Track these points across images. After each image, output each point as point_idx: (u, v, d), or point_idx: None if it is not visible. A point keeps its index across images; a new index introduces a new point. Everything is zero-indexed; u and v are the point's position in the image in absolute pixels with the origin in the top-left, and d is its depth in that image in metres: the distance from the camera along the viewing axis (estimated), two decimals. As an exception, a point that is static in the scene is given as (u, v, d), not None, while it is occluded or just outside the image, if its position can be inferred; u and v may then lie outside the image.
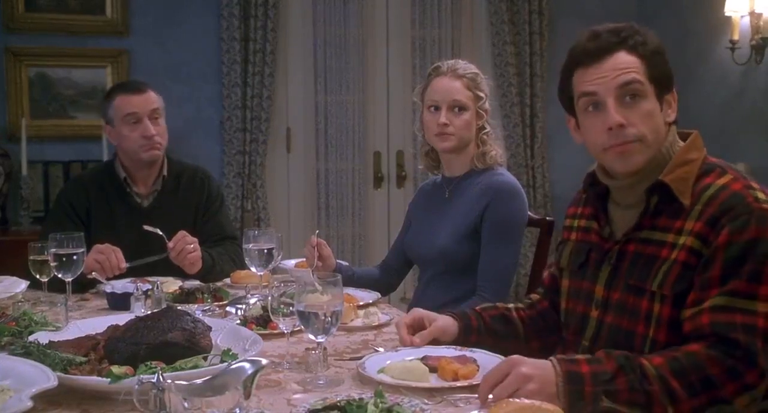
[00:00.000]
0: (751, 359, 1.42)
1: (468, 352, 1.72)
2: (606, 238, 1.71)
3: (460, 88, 2.40)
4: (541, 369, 1.44)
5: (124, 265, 2.45)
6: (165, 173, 2.80)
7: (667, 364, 1.44)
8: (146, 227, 2.52)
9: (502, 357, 1.67)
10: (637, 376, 1.43)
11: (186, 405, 1.18)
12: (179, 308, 1.77)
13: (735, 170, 1.61)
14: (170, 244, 2.51)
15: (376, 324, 2.05)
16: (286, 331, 1.73)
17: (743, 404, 1.44)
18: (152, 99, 2.74)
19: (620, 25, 1.64)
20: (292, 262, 2.58)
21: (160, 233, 2.51)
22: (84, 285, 2.42)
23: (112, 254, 2.43)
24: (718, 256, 1.49)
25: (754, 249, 1.47)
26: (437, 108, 2.41)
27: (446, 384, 1.54)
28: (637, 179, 1.63)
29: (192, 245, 2.53)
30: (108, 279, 2.40)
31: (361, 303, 2.25)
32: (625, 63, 1.60)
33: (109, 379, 1.42)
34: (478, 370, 1.60)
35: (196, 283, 2.45)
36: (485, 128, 2.45)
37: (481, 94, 2.42)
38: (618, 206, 1.71)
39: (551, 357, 1.48)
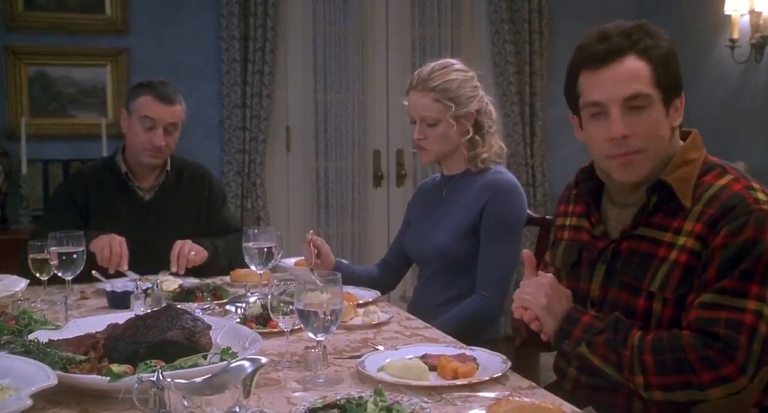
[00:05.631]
0: (729, 352, 1.43)
1: (468, 350, 1.73)
2: (599, 236, 1.70)
3: (427, 105, 2.37)
4: (558, 299, 1.64)
5: (125, 267, 2.45)
6: (168, 168, 2.82)
7: (651, 340, 1.49)
8: (122, 270, 2.46)
9: (502, 356, 1.68)
10: (618, 338, 1.51)
11: (185, 403, 1.18)
12: (179, 306, 1.77)
13: (735, 169, 1.60)
14: (173, 267, 2.51)
15: (376, 322, 2.06)
16: (285, 329, 1.73)
17: (717, 395, 1.45)
18: (176, 114, 2.74)
19: (631, 25, 1.59)
20: (292, 260, 2.57)
21: (135, 276, 2.42)
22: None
23: (118, 247, 2.44)
24: (715, 258, 1.49)
25: (750, 250, 1.47)
26: (413, 121, 2.43)
27: (445, 383, 1.55)
28: (640, 180, 1.62)
29: (193, 252, 2.55)
30: (108, 278, 2.40)
31: (361, 302, 2.25)
32: (632, 71, 1.55)
33: (108, 378, 1.42)
34: (477, 369, 1.60)
35: (196, 281, 2.45)
36: (469, 133, 2.40)
37: (451, 104, 2.35)
38: (614, 203, 1.70)
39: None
